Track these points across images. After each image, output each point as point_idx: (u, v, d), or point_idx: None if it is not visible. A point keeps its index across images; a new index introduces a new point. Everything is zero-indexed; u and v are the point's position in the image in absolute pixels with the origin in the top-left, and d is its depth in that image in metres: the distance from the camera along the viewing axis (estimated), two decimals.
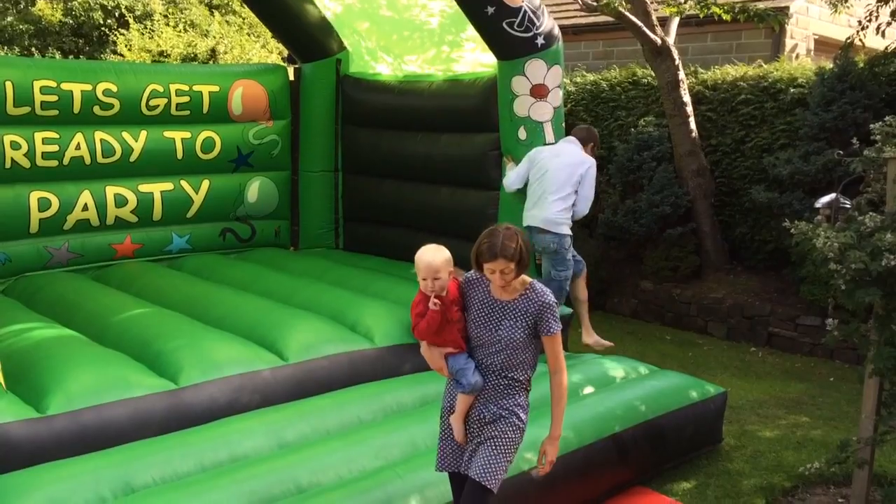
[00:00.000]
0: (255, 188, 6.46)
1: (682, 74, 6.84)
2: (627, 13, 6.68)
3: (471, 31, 5.46)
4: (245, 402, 3.64)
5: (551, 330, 2.69)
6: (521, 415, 2.77)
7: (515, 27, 4.77)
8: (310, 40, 6.49)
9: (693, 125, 6.89)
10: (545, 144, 4.93)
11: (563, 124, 5.15)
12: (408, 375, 4.16)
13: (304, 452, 3.28)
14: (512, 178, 4.95)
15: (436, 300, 2.71)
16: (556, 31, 4.98)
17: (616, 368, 4.42)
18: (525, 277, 2.73)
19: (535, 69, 4.90)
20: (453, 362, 2.75)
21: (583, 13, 9.09)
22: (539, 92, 4.93)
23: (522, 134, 4.96)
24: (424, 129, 5.89)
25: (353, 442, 3.42)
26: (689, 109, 6.88)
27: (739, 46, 9.08)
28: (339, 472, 3.21)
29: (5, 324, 4.01)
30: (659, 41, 6.75)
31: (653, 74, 7.20)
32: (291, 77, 6.64)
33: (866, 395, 3.34)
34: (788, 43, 9.03)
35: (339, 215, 6.73)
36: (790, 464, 4.11)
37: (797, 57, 8.90)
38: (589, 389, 4.18)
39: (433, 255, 2.73)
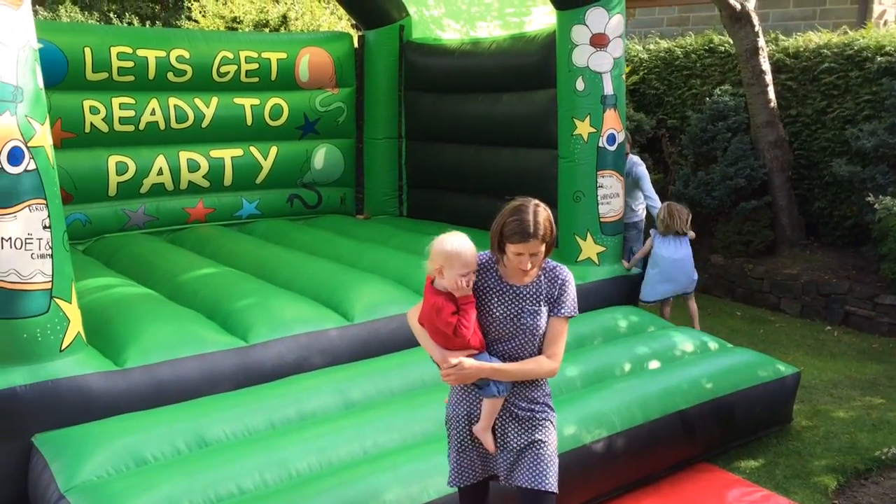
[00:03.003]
0: (322, 155, 6.52)
1: (761, 41, 6.56)
2: None
3: None
4: (311, 361, 3.70)
5: (563, 311, 2.34)
6: (551, 403, 2.47)
7: None
8: (373, 7, 6.50)
9: (772, 94, 6.62)
10: (603, 96, 4.80)
11: (624, 76, 4.99)
12: None
13: (369, 413, 3.32)
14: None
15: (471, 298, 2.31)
16: None
17: (685, 342, 4.33)
18: None
19: (596, 18, 4.75)
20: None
21: None
22: (599, 41, 4.78)
23: (580, 85, 4.81)
24: (485, 89, 5.83)
25: (416, 405, 3.45)
26: (769, 78, 6.61)
27: (823, 13, 8.67)
28: (403, 435, 3.24)
29: (86, 281, 4.15)
30: (738, 6, 6.48)
31: (730, 42, 6.93)
32: (356, 45, 6.65)
33: None
34: (876, 9, 8.57)
35: (403, 182, 6.75)
36: (864, 446, 3.96)
37: (885, 24, 8.44)
38: (655, 364, 4.11)
39: (470, 246, 2.31)
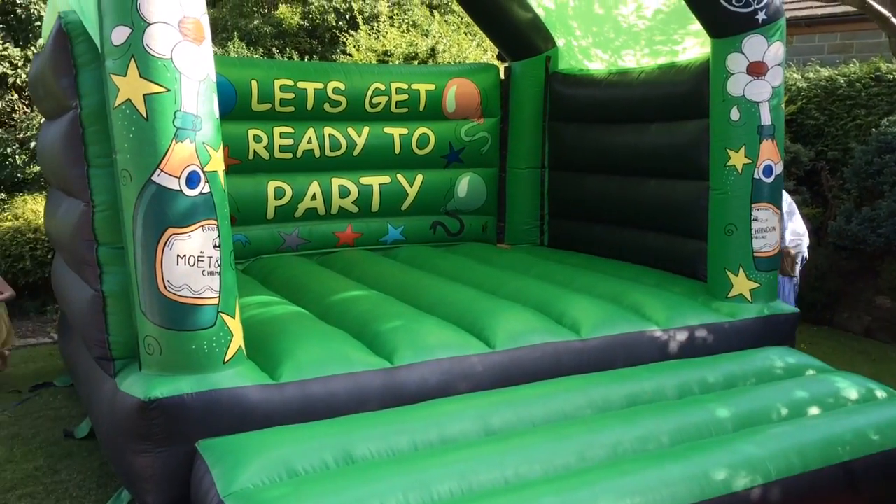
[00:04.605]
0: (465, 184, 6.63)
1: None
2: (873, 2, 6.06)
3: (693, 27, 5.23)
4: (454, 386, 3.74)
5: None
6: None
7: (734, 2, 4.48)
8: (519, 39, 6.56)
9: None
10: (760, 126, 4.59)
11: (783, 106, 4.75)
12: (617, 370, 4.07)
13: (510, 441, 3.30)
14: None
15: None
16: (779, 5, 4.62)
17: (849, 389, 4.02)
18: None
19: (754, 46, 4.55)
20: None
21: (818, 3, 8.38)
22: (757, 70, 4.58)
23: (735, 114, 4.62)
24: (632, 119, 5.74)
25: (559, 437, 3.40)
26: None
27: None
28: (544, 467, 3.20)
29: (246, 299, 4.41)
30: None
31: None
32: (502, 75, 6.75)
33: None
34: None
35: (545, 211, 6.74)
36: None
37: None
38: (815, 410, 3.84)
39: None
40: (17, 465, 4.16)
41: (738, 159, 4.65)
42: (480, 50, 9.85)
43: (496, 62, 8.44)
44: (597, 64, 6.38)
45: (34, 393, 5.26)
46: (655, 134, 5.51)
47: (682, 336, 4.40)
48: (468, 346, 3.91)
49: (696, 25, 5.01)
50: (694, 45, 5.46)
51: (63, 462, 4.19)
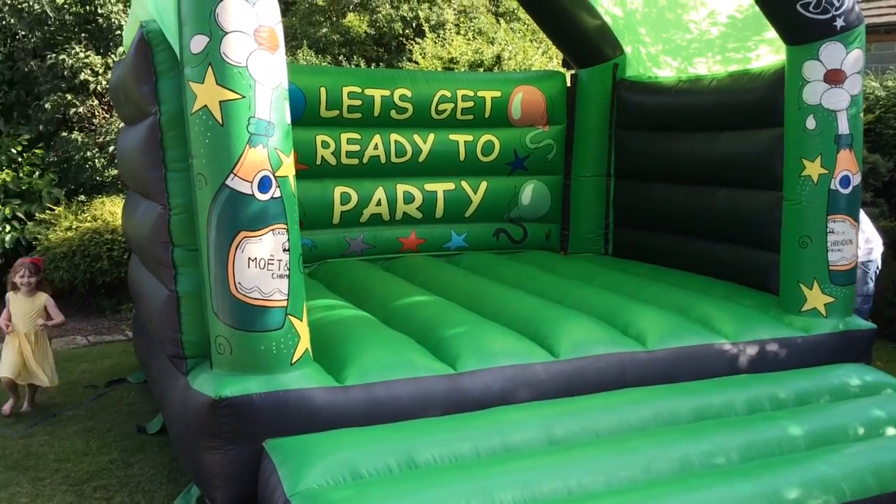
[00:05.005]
0: (529, 191, 6.61)
1: None
2: None
3: (768, 34, 5.10)
4: (516, 394, 3.72)
5: None
6: None
7: (811, 9, 4.35)
8: (587, 46, 6.51)
9: None
10: (837, 136, 4.45)
11: (861, 115, 4.59)
12: (683, 383, 3.99)
13: (574, 451, 3.27)
14: None
15: None
16: (858, 12, 4.46)
17: None
18: None
19: (832, 53, 4.40)
20: None
21: None
22: (834, 77, 4.43)
23: (811, 123, 4.48)
24: (702, 128, 5.62)
25: (623, 449, 3.35)
26: None
27: None
28: (609, 479, 3.16)
29: (312, 302, 4.48)
30: None
31: None
32: (568, 83, 6.71)
33: None
34: None
35: (609, 220, 6.66)
36: None
37: None
38: (893, 431, 3.69)
39: None
40: (93, 458, 4.32)
41: (813, 169, 4.51)
42: (546, 58, 9.82)
43: (562, 69, 8.39)
44: (666, 71, 6.29)
45: (109, 388, 5.45)
46: (727, 142, 5.39)
47: (752, 350, 4.28)
48: (532, 355, 3.89)
49: (772, 33, 4.88)
50: (767, 52, 5.33)
51: (136, 456, 4.33)
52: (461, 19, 10.76)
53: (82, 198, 7.98)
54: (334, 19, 11.78)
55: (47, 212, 7.75)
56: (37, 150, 8.12)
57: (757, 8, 4.70)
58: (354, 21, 11.25)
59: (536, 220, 6.69)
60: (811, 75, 4.50)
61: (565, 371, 3.88)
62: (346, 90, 5.90)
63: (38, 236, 7.50)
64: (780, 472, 3.23)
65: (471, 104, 6.28)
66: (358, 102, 5.95)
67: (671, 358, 4.12)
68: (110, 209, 7.59)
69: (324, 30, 11.25)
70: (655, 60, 6.33)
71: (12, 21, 8.15)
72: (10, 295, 5.09)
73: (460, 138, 6.35)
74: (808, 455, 3.39)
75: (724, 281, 5.24)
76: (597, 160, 6.61)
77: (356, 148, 6.03)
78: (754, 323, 4.43)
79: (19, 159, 8.04)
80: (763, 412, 3.81)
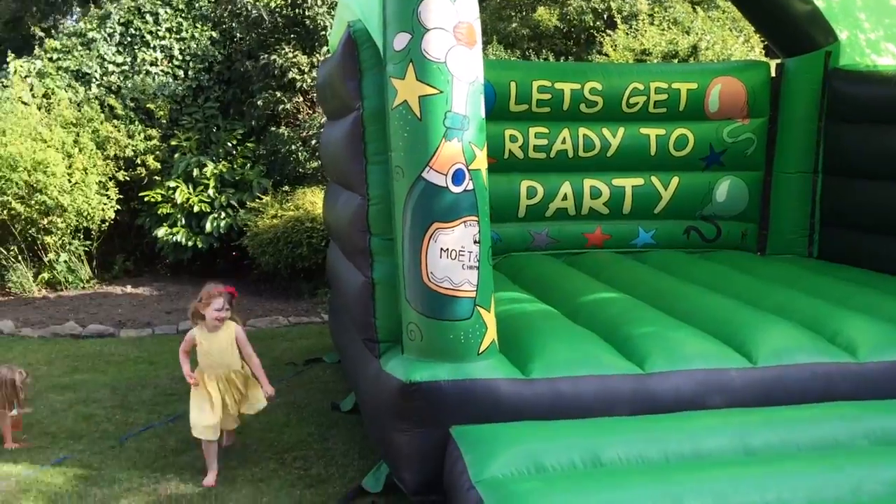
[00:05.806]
0: (725, 188, 6.27)
1: None
2: None
3: None
4: (709, 400, 3.55)
5: None
6: None
7: None
8: (796, 33, 6.08)
9: None
10: None
11: None
12: None
13: (773, 465, 3.07)
14: None
15: None
16: None
17: None
18: None
19: None
20: None
21: None
22: None
23: None
24: None
25: (828, 466, 3.10)
26: None
27: None
28: (811, 497, 2.94)
29: (497, 294, 4.51)
30: None
31: None
32: (773, 73, 6.28)
33: None
34: None
35: (816, 220, 6.16)
36: None
37: None
38: None
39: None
40: (293, 430, 4.66)
41: None
42: (747, 47, 9.26)
43: (764, 59, 7.88)
44: (887, 59, 5.71)
45: (307, 366, 5.85)
46: None
47: None
48: (727, 359, 3.70)
49: None
50: None
51: (330, 431, 4.62)
52: (655, 9, 10.40)
53: (286, 188, 8.61)
54: (524, 14, 11.83)
55: (256, 201, 8.44)
56: (248, 144, 8.87)
57: None
58: (545, 15, 11.24)
59: (732, 219, 6.34)
60: None
61: (763, 379, 3.64)
62: (536, 84, 5.90)
63: (248, 223, 8.19)
64: None
65: (664, 97, 6.06)
66: (547, 96, 5.93)
67: (886, 371, 3.75)
68: (311, 199, 8.12)
69: (513, 24, 11.33)
70: (875, 47, 5.77)
71: (233, 25, 8.94)
72: (195, 333, 4.04)
73: (652, 132, 6.15)
74: None
75: None
76: (803, 155, 6.14)
77: (544, 142, 6.02)
78: None
79: (234, 152, 8.83)
80: None
